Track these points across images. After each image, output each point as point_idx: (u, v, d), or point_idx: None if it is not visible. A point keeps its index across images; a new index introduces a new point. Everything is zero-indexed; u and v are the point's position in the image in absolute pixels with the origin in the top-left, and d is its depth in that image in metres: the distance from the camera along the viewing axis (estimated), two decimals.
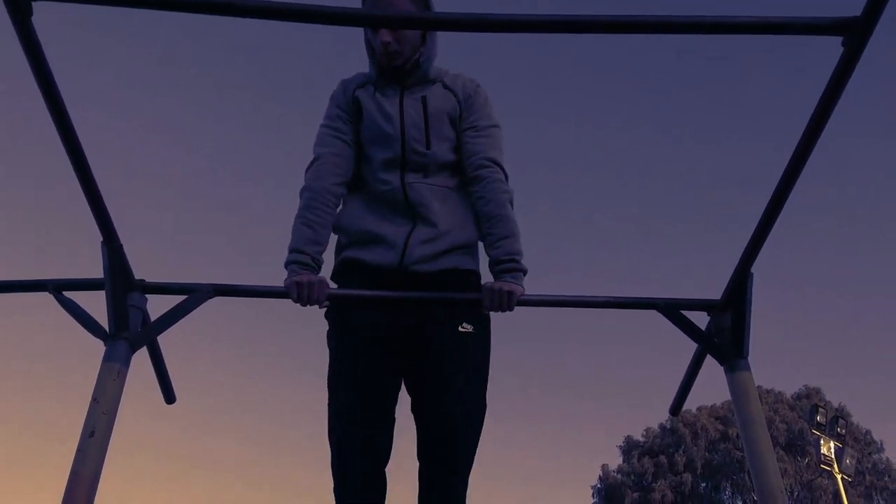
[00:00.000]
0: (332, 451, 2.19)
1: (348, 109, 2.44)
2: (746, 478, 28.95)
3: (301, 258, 2.28)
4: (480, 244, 2.46)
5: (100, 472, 2.05)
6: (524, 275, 2.32)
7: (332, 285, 2.36)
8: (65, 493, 1.99)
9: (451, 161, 2.43)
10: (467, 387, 2.24)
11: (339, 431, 2.18)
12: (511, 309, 2.27)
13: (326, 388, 2.28)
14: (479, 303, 2.28)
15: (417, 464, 2.25)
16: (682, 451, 32.18)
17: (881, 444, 31.66)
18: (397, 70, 2.36)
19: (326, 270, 2.38)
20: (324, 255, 2.36)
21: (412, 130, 2.36)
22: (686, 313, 2.45)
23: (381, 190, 2.38)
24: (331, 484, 2.18)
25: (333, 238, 2.46)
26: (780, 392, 32.75)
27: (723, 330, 2.41)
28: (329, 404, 2.25)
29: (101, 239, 2.17)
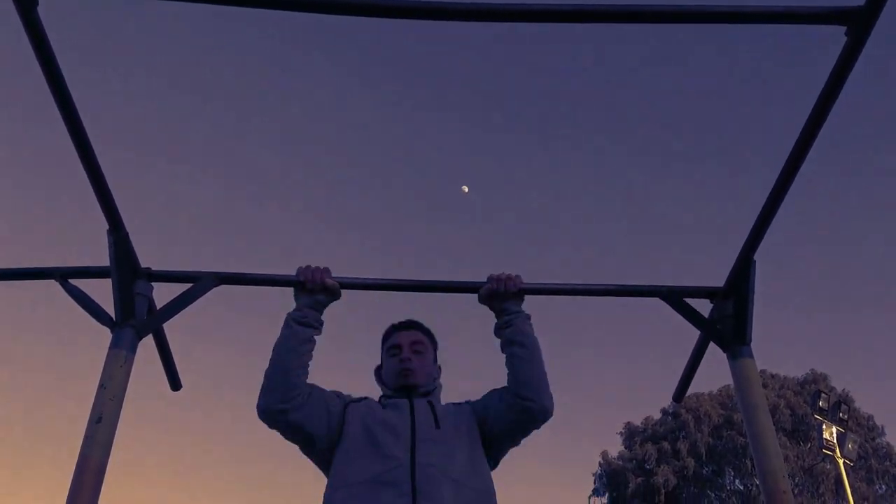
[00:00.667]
0: None
1: (347, 402, 2.32)
2: (749, 463, 29.06)
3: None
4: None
5: (108, 457, 2.07)
6: (528, 319, 2.36)
7: None
8: (73, 478, 2.02)
9: (466, 443, 2.25)
10: None
11: None
12: (511, 290, 2.33)
13: None
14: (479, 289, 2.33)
15: None
16: (684, 437, 32.27)
17: (882, 428, 31.74)
18: (408, 389, 2.34)
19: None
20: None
21: (422, 416, 2.24)
22: (689, 301, 2.47)
23: (378, 472, 2.11)
24: None
25: None
26: (785, 377, 32.79)
27: (725, 317, 2.42)
28: None
29: (108, 227, 2.19)
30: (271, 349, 2.21)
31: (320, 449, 2.20)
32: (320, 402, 2.21)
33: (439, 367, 2.48)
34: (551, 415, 2.25)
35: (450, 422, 2.25)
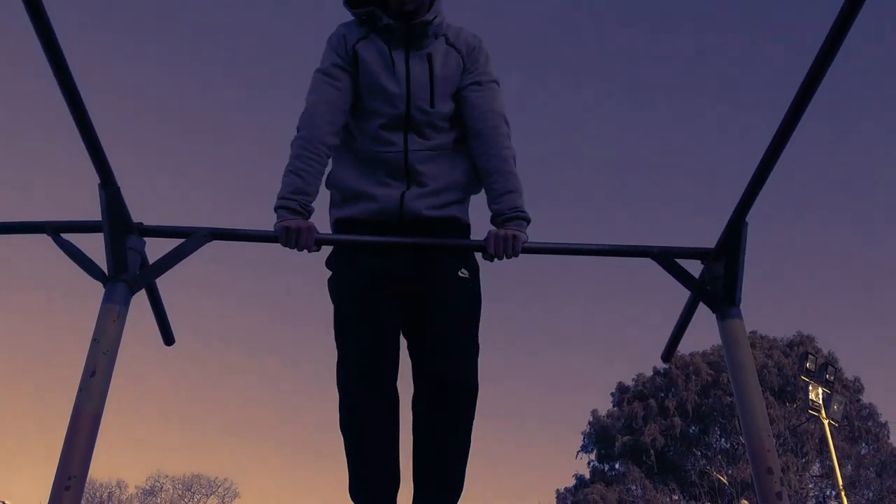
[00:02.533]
0: (341, 403, 2.21)
1: (347, 59, 2.40)
2: (735, 422, 29.48)
3: (290, 204, 2.29)
4: (473, 198, 2.52)
5: (101, 411, 2.08)
6: (527, 223, 2.35)
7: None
8: (68, 431, 2.03)
9: (451, 116, 2.43)
10: (466, 331, 2.29)
11: (351, 388, 2.20)
12: (516, 254, 2.29)
13: (334, 336, 2.29)
14: (474, 252, 2.33)
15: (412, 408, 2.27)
16: (672, 395, 32.69)
17: (864, 387, 32.22)
18: (407, 21, 2.32)
19: (319, 223, 2.38)
20: (314, 205, 2.37)
21: (417, 90, 2.35)
22: (680, 262, 2.48)
23: (378, 151, 2.39)
24: (334, 420, 2.23)
25: (325, 193, 2.48)
26: (774, 338, 33.12)
27: (716, 278, 2.42)
28: (339, 352, 2.27)
29: (99, 181, 2.17)
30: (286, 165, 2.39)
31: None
32: (343, 110, 2.39)
33: None
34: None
35: (446, 89, 2.39)
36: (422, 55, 2.37)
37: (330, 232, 2.46)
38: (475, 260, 2.41)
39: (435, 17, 2.36)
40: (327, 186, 2.49)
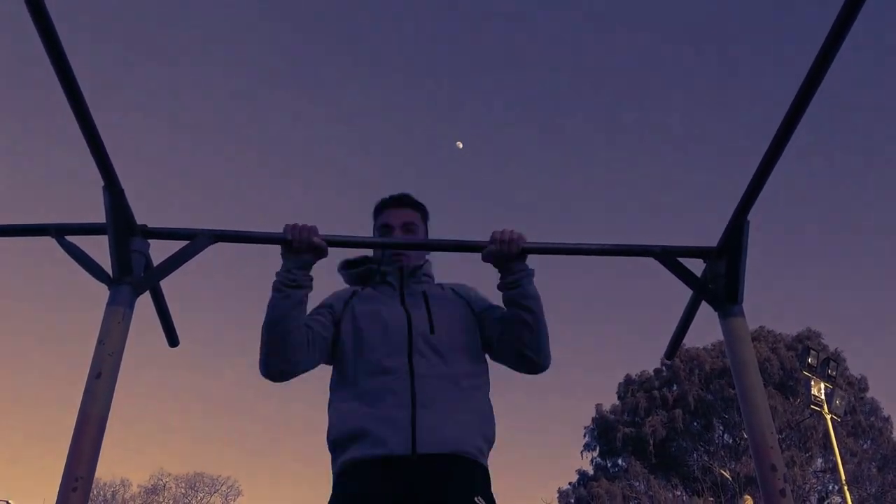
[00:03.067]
0: None
1: (339, 311, 2.39)
2: (737, 417, 29.48)
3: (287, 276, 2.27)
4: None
5: (108, 413, 2.10)
6: (531, 275, 2.34)
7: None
8: (74, 433, 2.04)
9: (459, 349, 2.30)
10: None
11: None
12: (514, 252, 2.30)
13: None
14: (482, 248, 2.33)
15: None
16: (674, 389, 32.72)
17: (866, 382, 32.21)
18: (399, 271, 2.43)
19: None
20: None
21: (417, 320, 2.29)
22: (682, 260, 2.48)
23: (379, 382, 2.18)
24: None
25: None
26: (779, 333, 33.13)
27: (718, 276, 2.43)
28: None
29: (103, 184, 2.18)
30: (265, 310, 2.22)
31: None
32: (321, 342, 2.30)
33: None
34: (546, 370, 2.35)
35: (445, 320, 2.33)
36: (417, 293, 2.42)
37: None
38: (493, 497, 2.18)
39: (424, 263, 2.50)
40: (331, 449, 2.24)
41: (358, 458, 2.10)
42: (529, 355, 2.30)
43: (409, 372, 2.18)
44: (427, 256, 2.55)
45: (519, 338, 2.29)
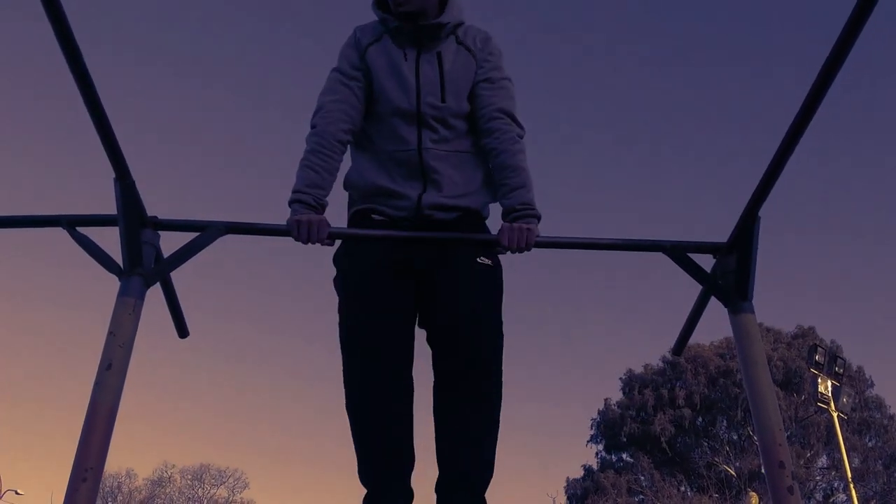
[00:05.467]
0: (349, 387, 2.20)
1: (359, 62, 2.43)
2: (742, 413, 29.47)
3: (303, 198, 2.30)
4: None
5: (118, 404, 2.10)
6: (538, 220, 2.35)
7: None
8: (84, 423, 2.05)
9: (465, 115, 2.43)
10: (488, 316, 2.26)
11: (356, 399, 2.19)
12: (529, 248, 2.29)
13: (339, 325, 2.27)
14: (494, 244, 2.32)
15: (433, 397, 2.24)
16: (681, 386, 32.67)
17: (871, 379, 32.12)
18: (413, 22, 2.35)
19: (335, 219, 2.39)
20: (328, 199, 2.38)
21: (428, 86, 2.36)
22: (692, 256, 2.48)
23: (393, 150, 2.39)
24: (343, 420, 2.22)
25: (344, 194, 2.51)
26: (779, 330, 33.07)
27: (728, 272, 2.42)
28: (344, 365, 2.23)
29: (114, 175, 2.18)
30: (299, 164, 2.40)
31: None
32: (357, 103, 2.41)
33: None
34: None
35: (453, 87, 2.38)
36: (431, 55, 2.39)
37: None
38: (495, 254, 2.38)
39: (448, 22, 2.39)
40: (345, 187, 2.51)
41: (366, 209, 2.44)
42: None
43: (417, 142, 2.36)
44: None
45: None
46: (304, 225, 2.24)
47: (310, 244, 2.27)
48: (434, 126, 2.38)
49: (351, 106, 2.40)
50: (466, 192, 2.42)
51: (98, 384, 2.08)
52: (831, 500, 29.84)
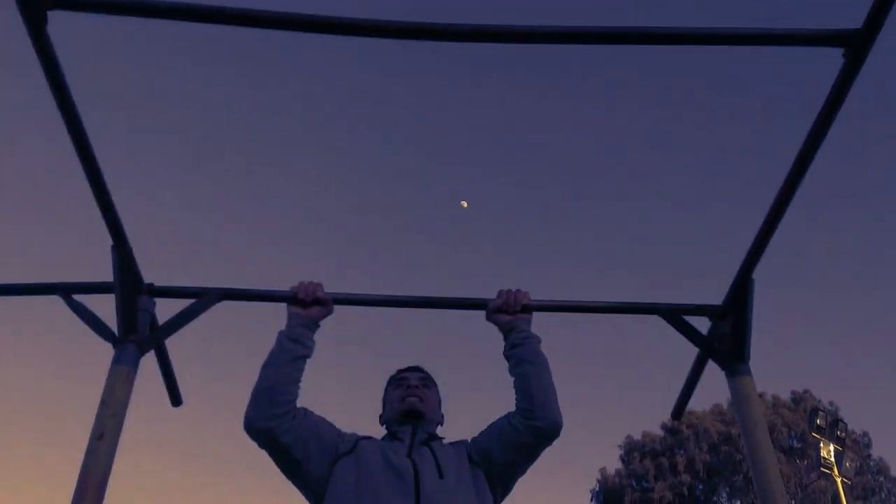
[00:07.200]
0: None
1: (346, 442, 2.20)
2: (742, 479, 28.99)
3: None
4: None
5: (109, 473, 2.07)
6: (538, 342, 2.31)
7: None
8: (74, 492, 2.02)
9: (469, 487, 2.14)
10: None
11: None
12: (518, 305, 2.32)
13: None
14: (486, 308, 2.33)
15: None
16: (682, 454, 32.22)
17: (870, 441, 31.73)
18: (412, 421, 2.27)
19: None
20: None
21: (424, 467, 2.10)
22: (688, 318, 2.48)
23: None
24: None
25: None
26: (777, 395, 32.85)
27: (724, 335, 2.43)
28: None
29: (112, 243, 2.20)
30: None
31: (306, 481, 2.11)
32: (311, 427, 2.13)
33: (442, 415, 2.40)
34: (561, 428, 2.18)
35: (453, 469, 2.11)
36: (423, 448, 2.19)
37: None
38: None
39: (437, 427, 2.35)
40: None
41: None
42: (537, 412, 2.15)
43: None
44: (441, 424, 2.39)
45: (524, 393, 2.19)
46: (303, 284, 2.28)
47: (306, 301, 2.27)
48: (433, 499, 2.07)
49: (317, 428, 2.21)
50: None
51: (89, 454, 2.06)
52: None
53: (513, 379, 2.25)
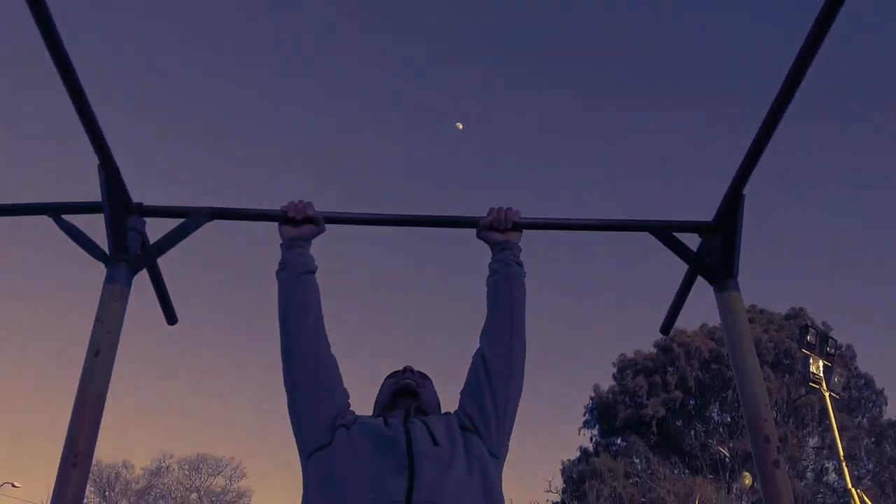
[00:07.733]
0: None
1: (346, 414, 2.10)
2: (732, 394, 29.69)
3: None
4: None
5: (106, 390, 2.11)
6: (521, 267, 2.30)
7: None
8: (73, 410, 2.06)
9: (466, 457, 2.00)
10: None
11: None
12: (509, 223, 2.33)
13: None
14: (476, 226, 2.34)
15: None
16: (673, 371, 32.86)
17: (854, 354, 32.35)
18: (405, 402, 2.19)
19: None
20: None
21: (418, 436, 1.98)
22: (678, 235, 2.49)
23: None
24: None
25: None
26: (770, 312, 33.27)
27: (713, 251, 2.44)
28: None
29: (98, 162, 2.18)
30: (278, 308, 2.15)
31: (307, 440, 2.06)
32: (336, 370, 2.14)
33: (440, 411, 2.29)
34: (523, 339, 2.17)
35: (444, 435, 2.01)
36: (418, 420, 2.07)
37: None
38: None
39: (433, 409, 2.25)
40: None
41: None
42: (499, 325, 2.15)
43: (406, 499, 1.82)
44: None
45: (490, 299, 2.21)
46: (295, 203, 2.29)
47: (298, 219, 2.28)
48: (426, 467, 1.95)
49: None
50: None
51: (86, 370, 2.09)
52: (823, 480, 30.11)
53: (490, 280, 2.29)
